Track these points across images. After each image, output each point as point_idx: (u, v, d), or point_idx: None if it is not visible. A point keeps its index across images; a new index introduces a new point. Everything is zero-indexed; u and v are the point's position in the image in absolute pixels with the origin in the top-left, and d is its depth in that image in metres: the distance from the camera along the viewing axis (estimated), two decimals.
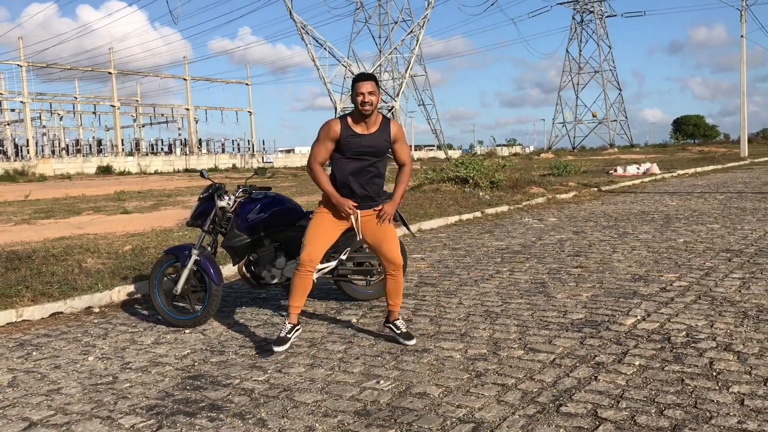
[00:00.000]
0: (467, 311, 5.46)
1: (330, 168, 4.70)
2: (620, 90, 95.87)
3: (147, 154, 64.87)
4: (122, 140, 64.74)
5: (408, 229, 6.21)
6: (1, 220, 14.19)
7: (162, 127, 78.60)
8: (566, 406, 3.44)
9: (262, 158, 68.02)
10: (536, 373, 3.94)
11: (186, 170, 57.05)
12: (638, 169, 24.81)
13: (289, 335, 4.49)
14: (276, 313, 5.72)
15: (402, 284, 4.72)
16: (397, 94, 57.98)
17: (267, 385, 3.98)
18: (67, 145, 63.61)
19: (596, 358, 4.15)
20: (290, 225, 5.42)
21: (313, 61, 53.42)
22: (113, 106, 63.76)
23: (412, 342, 4.57)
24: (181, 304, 5.54)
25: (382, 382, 3.92)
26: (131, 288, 6.60)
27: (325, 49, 53.82)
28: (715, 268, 6.73)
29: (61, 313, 6.05)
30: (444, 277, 6.93)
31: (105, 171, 53.68)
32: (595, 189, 17.66)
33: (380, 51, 75.74)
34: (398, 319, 4.71)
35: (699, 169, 26.68)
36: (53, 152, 60.48)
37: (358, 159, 4.48)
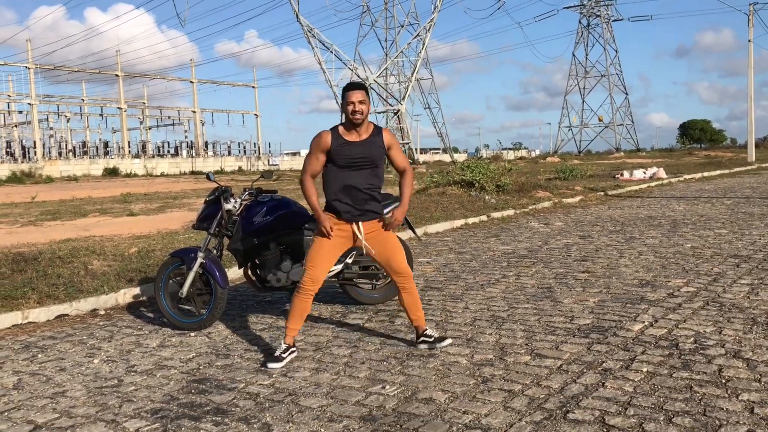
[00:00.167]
0: (473, 316, 5.43)
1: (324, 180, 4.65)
2: (626, 94, 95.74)
3: (153, 157, 65.05)
4: (129, 142, 64.96)
5: (414, 232, 6.21)
6: (8, 222, 14.23)
7: (168, 129, 78.77)
8: (573, 412, 3.41)
9: (268, 161, 67.85)
10: (543, 379, 3.91)
11: (192, 172, 57.16)
12: (645, 173, 24.74)
13: (284, 355, 4.41)
14: (281, 317, 5.70)
15: (417, 294, 4.65)
16: (403, 98, 57.99)
17: (272, 389, 3.97)
18: (74, 147, 63.82)
19: (604, 364, 4.12)
20: (296, 228, 5.41)
21: (320, 64, 53.49)
22: (120, 108, 63.98)
23: (448, 342, 4.57)
24: (187, 307, 5.53)
25: (387, 387, 3.90)
26: (137, 290, 6.60)
27: (331, 52, 53.91)
28: (723, 273, 6.68)
29: (67, 315, 6.06)
30: (450, 281, 6.91)
31: (111, 173, 53.84)
32: (602, 193, 17.61)
33: (386, 54, 75.78)
34: (426, 329, 4.63)
35: (706, 174, 26.58)
36: (60, 154, 60.68)
37: (353, 168, 4.42)
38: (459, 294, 6.27)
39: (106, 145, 66.78)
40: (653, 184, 21.56)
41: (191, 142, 70.83)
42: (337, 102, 54.44)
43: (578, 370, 4.05)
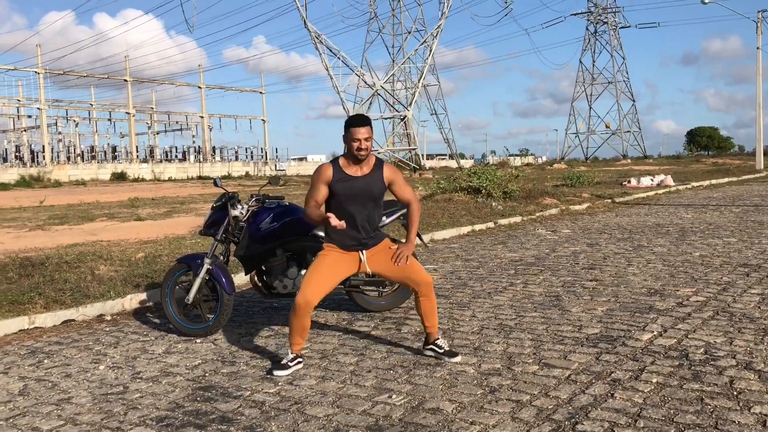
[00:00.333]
0: (481, 324, 5.40)
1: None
2: (634, 101, 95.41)
3: (161, 161, 65.29)
4: (137, 147, 65.25)
5: (421, 239, 6.17)
6: (16, 226, 14.27)
7: (176, 134, 79.03)
8: (582, 424, 3.37)
9: (275, 166, 68.25)
10: (551, 390, 3.87)
11: (199, 177, 57.32)
12: (652, 180, 24.63)
13: (291, 364, 4.38)
14: (287, 324, 5.66)
15: (435, 301, 4.60)
16: (410, 104, 58.02)
17: (278, 397, 3.94)
18: (83, 152, 64.14)
19: (612, 375, 4.08)
20: (303, 235, 5.39)
21: (327, 70, 53.55)
22: (128, 113, 64.26)
23: (457, 359, 4.46)
24: (193, 313, 5.52)
25: (394, 396, 3.87)
26: (143, 296, 6.59)
27: (338, 58, 53.97)
28: (732, 283, 6.63)
29: (73, 320, 6.05)
30: (457, 288, 6.88)
31: (119, 177, 54.05)
32: (609, 200, 17.53)
33: (393, 60, 75.85)
34: (438, 338, 4.58)
35: (714, 182, 26.47)
36: (68, 158, 60.98)
37: (353, 202, 4.39)
38: (466, 302, 6.23)
39: (114, 149, 67.09)
40: (661, 191, 21.47)
41: (199, 147, 71.11)
42: (344, 107, 54.55)
43: (587, 380, 4.01)
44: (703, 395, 3.71)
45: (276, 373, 4.31)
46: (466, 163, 66.85)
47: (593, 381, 3.99)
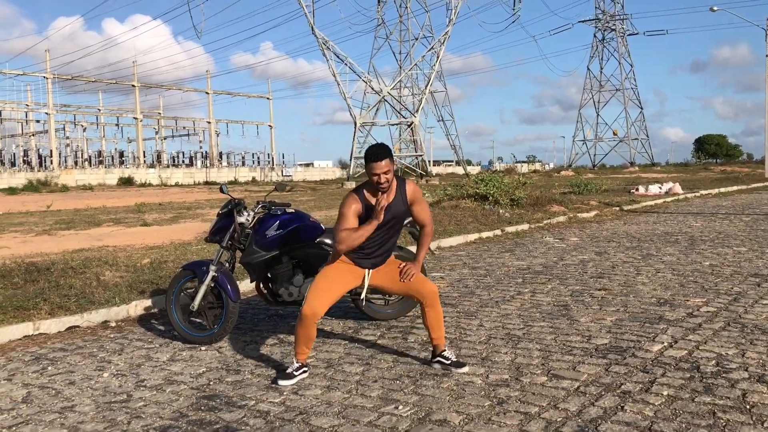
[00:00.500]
0: (488, 334, 5.33)
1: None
2: (641, 108, 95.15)
3: (168, 166, 65.43)
4: (144, 152, 65.44)
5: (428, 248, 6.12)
6: (23, 230, 14.29)
7: (183, 139, 79.32)
8: None
9: (282, 172, 68.35)
10: (560, 402, 3.81)
11: (206, 183, 57.46)
12: (660, 188, 24.51)
13: (296, 373, 4.33)
14: (293, 332, 5.62)
15: (441, 311, 4.55)
16: (417, 110, 57.98)
17: (283, 407, 3.89)
18: (90, 157, 64.34)
19: (622, 387, 4.01)
20: (309, 242, 5.35)
21: (334, 76, 53.61)
22: (136, 118, 64.50)
23: (465, 369, 4.40)
24: (198, 321, 5.48)
25: (400, 407, 3.81)
26: (148, 302, 6.56)
27: (345, 64, 54.04)
28: (743, 293, 6.54)
29: (78, 326, 6.02)
30: (464, 297, 6.82)
31: (126, 182, 54.21)
32: (617, 208, 17.44)
33: (400, 67, 75.96)
34: (445, 350, 4.51)
35: (723, 190, 26.33)
36: (76, 163, 61.20)
37: (378, 230, 4.33)
38: (473, 311, 6.17)
39: (121, 154, 67.29)
40: (669, 199, 21.36)
41: (206, 152, 71.27)
42: (351, 113, 54.60)
43: (596, 392, 3.94)
44: (715, 409, 3.64)
45: (281, 382, 4.26)
46: (473, 170, 66.81)
47: (603, 393, 3.92)
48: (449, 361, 4.45)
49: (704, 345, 4.82)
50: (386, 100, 58.69)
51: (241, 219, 5.43)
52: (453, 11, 55.34)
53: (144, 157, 65.09)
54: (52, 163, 55.91)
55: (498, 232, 12.29)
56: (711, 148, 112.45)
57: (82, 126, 70.36)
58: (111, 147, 73.18)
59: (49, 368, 4.84)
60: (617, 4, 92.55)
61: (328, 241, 5.33)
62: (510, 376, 4.27)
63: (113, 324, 6.15)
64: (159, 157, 68.41)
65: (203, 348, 5.23)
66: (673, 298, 6.42)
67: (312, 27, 52.46)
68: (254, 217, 5.45)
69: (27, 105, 64.92)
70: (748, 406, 3.65)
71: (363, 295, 5.03)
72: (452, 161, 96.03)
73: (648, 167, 76.97)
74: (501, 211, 14.53)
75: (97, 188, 47.95)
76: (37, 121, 67.67)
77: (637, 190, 24.59)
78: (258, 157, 74.68)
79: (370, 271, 4.50)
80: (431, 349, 4.63)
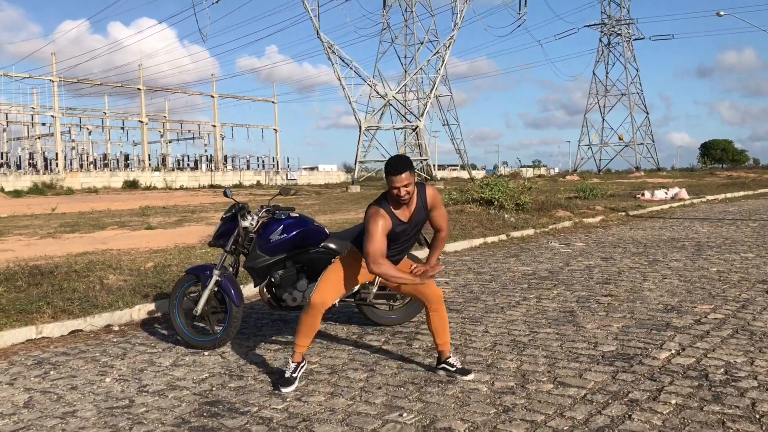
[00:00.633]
0: (493, 340, 5.28)
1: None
2: (647, 113, 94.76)
3: (173, 170, 65.57)
4: (149, 155, 65.58)
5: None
6: (28, 233, 14.30)
7: (188, 143, 79.43)
8: None
9: (286, 175, 68.42)
10: (567, 410, 3.76)
11: (211, 186, 57.52)
12: (666, 193, 24.41)
13: (294, 375, 4.29)
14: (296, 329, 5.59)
15: (446, 317, 4.51)
16: (422, 114, 57.93)
17: (286, 414, 3.85)
18: (95, 160, 64.55)
19: (630, 395, 3.96)
20: (313, 247, 5.31)
21: (339, 80, 53.60)
22: (141, 121, 64.66)
23: (470, 376, 4.35)
24: (201, 325, 5.45)
25: (405, 414, 3.76)
26: (152, 306, 6.53)
27: (351, 68, 54.01)
28: (751, 300, 6.48)
29: (81, 330, 5.99)
30: (469, 302, 6.77)
31: (131, 185, 54.32)
32: (623, 213, 17.36)
33: (405, 71, 75.91)
34: (450, 356, 4.47)
35: (729, 195, 26.20)
36: (81, 166, 61.37)
37: (402, 237, 4.30)
38: (478, 316, 6.13)
39: (126, 157, 67.50)
40: (675, 204, 21.26)
41: (211, 155, 71.41)
42: (355, 117, 54.59)
43: (603, 400, 3.89)
44: (724, 418, 3.59)
45: (284, 390, 4.22)
46: (478, 174, 66.73)
47: (610, 401, 3.87)
48: (454, 368, 4.40)
49: (712, 353, 4.76)
50: (391, 104, 58.66)
51: (245, 223, 5.39)
52: (458, 15, 55.31)
53: (149, 160, 65.22)
54: (57, 166, 56.07)
55: (503, 236, 12.24)
56: (717, 153, 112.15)
57: (88, 129, 70.53)
58: (116, 150, 73.40)
59: (52, 372, 4.81)
60: (623, 9, 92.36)
61: (332, 245, 5.29)
62: (516, 384, 4.23)
63: (116, 328, 6.12)
64: (164, 160, 68.58)
65: (206, 353, 5.19)
66: (680, 304, 6.36)
67: (317, 31, 52.50)
68: (258, 222, 5.42)
69: (33, 108, 65.15)
70: (757, 416, 3.60)
71: (372, 294, 5.03)
72: (457, 165, 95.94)
73: (653, 172, 76.77)
74: (506, 215, 14.47)
75: (102, 191, 48.05)
76: (43, 124, 67.87)
77: (642, 195, 24.49)
78: (263, 161, 74.82)
79: None
80: (436, 355, 4.59)
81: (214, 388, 4.35)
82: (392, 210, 4.20)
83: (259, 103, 78.80)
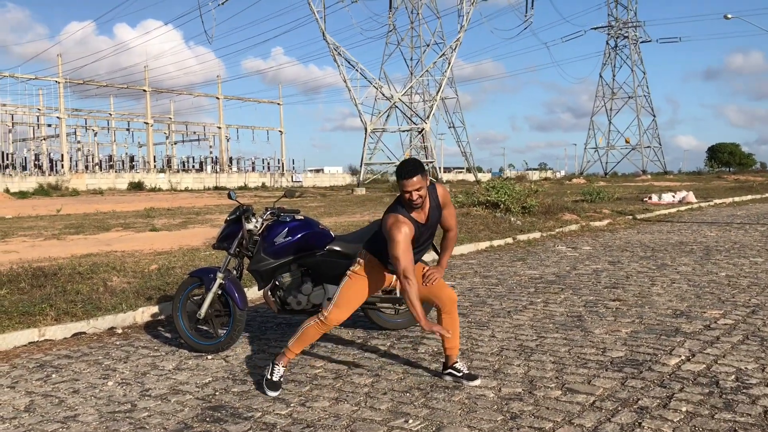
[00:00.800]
0: (500, 345, 5.22)
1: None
2: (654, 116, 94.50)
3: (178, 171, 65.67)
4: (154, 157, 65.67)
5: (438, 254, 6.01)
6: (32, 235, 14.29)
7: (194, 144, 79.48)
8: None
9: (292, 177, 68.42)
10: (575, 417, 3.69)
11: (216, 188, 57.56)
12: (674, 197, 24.29)
13: (281, 379, 4.29)
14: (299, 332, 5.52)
15: (458, 320, 4.45)
16: (428, 116, 57.91)
17: (290, 419, 3.79)
18: (101, 161, 64.68)
19: (639, 402, 3.89)
20: (318, 250, 5.25)
21: (345, 82, 53.64)
22: (147, 123, 64.77)
23: (477, 382, 4.28)
24: (205, 328, 5.40)
25: (411, 421, 3.70)
26: (155, 309, 6.48)
27: (356, 70, 54.03)
28: (761, 305, 6.39)
29: (84, 333, 5.95)
30: (475, 306, 6.70)
31: (136, 187, 54.39)
32: (630, 217, 17.26)
33: (411, 73, 75.87)
34: (457, 361, 4.40)
35: (737, 199, 26.05)
36: (87, 167, 61.49)
37: (420, 241, 4.22)
38: (485, 321, 6.06)
39: (131, 159, 67.58)
40: (683, 208, 21.14)
41: (216, 157, 71.45)
42: (361, 119, 54.58)
43: (612, 407, 3.82)
44: (736, 426, 3.51)
45: (271, 393, 4.21)
46: (484, 177, 66.57)
47: (619, 408, 3.80)
48: (461, 373, 4.34)
49: (723, 359, 4.68)
50: (397, 107, 58.67)
51: (249, 226, 5.34)
52: (465, 18, 55.32)
53: (154, 161, 65.31)
54: (63, 167, 56.20)
55: (509, 240, 12.16)
56: (724, 157, 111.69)
57: (93, 130, 70.66)
58: (121, 151, 73.49)
59: (54, 376, 4.77)
60: (630, 12, 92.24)
61: (337, 248, 5.23)
62: (523, 390, 4.16)
63: (119, 331, 6.07)
64: (169, 161, 68.67)
65: (209, 357, 5.14)
66: (689, 309, 6.28)
67: (323, 32, 52.55)
68: (263, 224, 5.37)
69: (39, 109, 65.31)
70: None
71: (378, 298, 5.07)
72: (463, 168, 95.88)
73: (660, 175, 76.52)
74: (512, 218, 14.40)
75: (107, 192, 48.14)
76: (49, 125, 68.01)
77: (650, 198, 24.37)
78: (268, 163, 74.82)
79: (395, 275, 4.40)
80: (442, 360, 4.53)
81: (217, 393, 4.29)
82: (411, 216, 4.12)
83: (265, 104, 78.91)
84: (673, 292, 7.12)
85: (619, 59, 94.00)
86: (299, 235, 5.24)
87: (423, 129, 56.43)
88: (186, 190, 55.85)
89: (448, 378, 4.38)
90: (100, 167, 62.83)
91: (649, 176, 72.54)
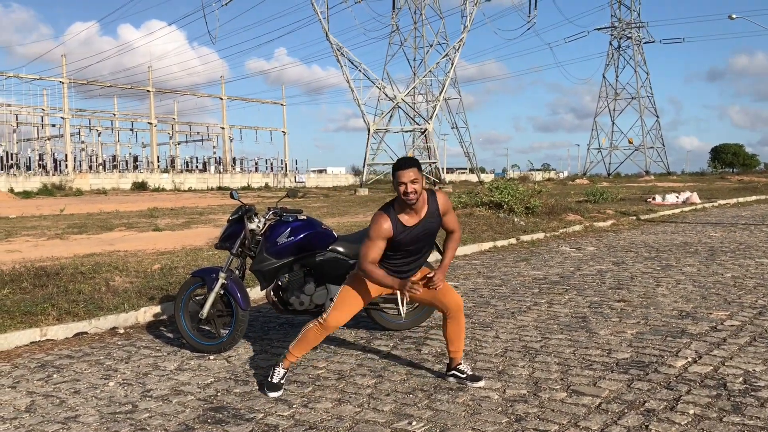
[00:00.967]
0: (504, 346, 5.17)
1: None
2: (657, 116, 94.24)
3: (182, 172, 65.75)
4: (158, 157, 65.78)
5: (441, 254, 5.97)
6: (36, 234, 14.28)
7: (197, 145, 79.63)
8: None
9: (295, 178, 68.44)
10: (581, 419, 3.64)
11: (219, 188, 57.60)
12: (678, 197, 24.20)
13: (282, 381, 4.25)
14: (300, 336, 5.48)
15: (464, 325, 4.39)
16: (431, 117, 57.86)
17: (292, 421, 3.75)
18: (104, 161, 64.80)
19: (646, 404, 3.84)
20: (321, 250, 5.22)
21: (348, 82, 53.59)
22: (150, 123, 64.85)
23: (481, 383, 4.24)
24: (207, 329, 5.37)
25: (414, 423, 3.66)
26: (157, 309, 6.45)
27: (359, 71, 53.99)
28: None
29: (86, 333, 5.92)
30: (479, 307, 6.65)
31: (140, 187, 54.47)
32: (634, 217, 17.19)
33: (414, 73, 75.82)
34: (461, 363, 4.36)
35: (741, 199, 25.95)
36: (90, 167, 61.62)
37: (412, 245, 4.17)
38: (489, 322, 6.01)
39: (135, 159, 67.71)
40: (687, 209, 21.05)
41: (219, 157, 71.54)
42: (364, 120, 54.55)
43: (618, 409, 3.77)
44: (745, 429, 3.46)
45: (271, 394, 4.17)
46: (487, 178, 66.50)
47: (626, 411, 3.75)
48: (465, 375, 4.30)
49: (730, 361, 4.63)
50: (400, 107, 58.60)
51: (251, 225, 5.30)
52: (468, 18, 55.23)
53: (158, 162, 65.41)
54: (67, 167, 56.30)
55: (513, 240, 12.11)
56: (727, 158, 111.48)
57: (97, 130, 70.82)
58: (125, 152, 73.64)
59: (55, 376, 4.73)
60: (633, 12, 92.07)
61: (340, 248, 5.20)
62: (528, 392, 4.11)
63: (121, 331, 6.04)
64: (173, 162, 68.77)
65: (211, 357, 5.10)
66: (695, 310, 6.23)
67: (326, 33, 52.52)
68: (265, 224, 5.33)
69: (43, 109, 65.46)
70: None
71: (403, 308, 5.24)
72: (466, 169, 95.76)
73: (663, 176, 76.35)
74: (516, 219, 14.34)
75: (111, 192, 48.18)
76: (53, 126, 68.20)
77: (654, 199, 24.29)
78: (271, 163, 74.91)
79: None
80: (446, 361, 4.49)
81: (219, 394, 4.26)
82: (399, 214, 4.09)
83: (268, 105, 78.97)
84: (679, 293, 7.07)
85: (622, 60, 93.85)
86: (302, 235, 5.20)
87: (426, 129, 56.36)
88: (189, 190, 55.90)
89: (451, 379, 4.34)
90: (104, 167, 62.94)
91: (652, 177, 72.38)
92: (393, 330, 5.68)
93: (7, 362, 5.11)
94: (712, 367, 4.50)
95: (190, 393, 4.29)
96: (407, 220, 4.10)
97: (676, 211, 20.07)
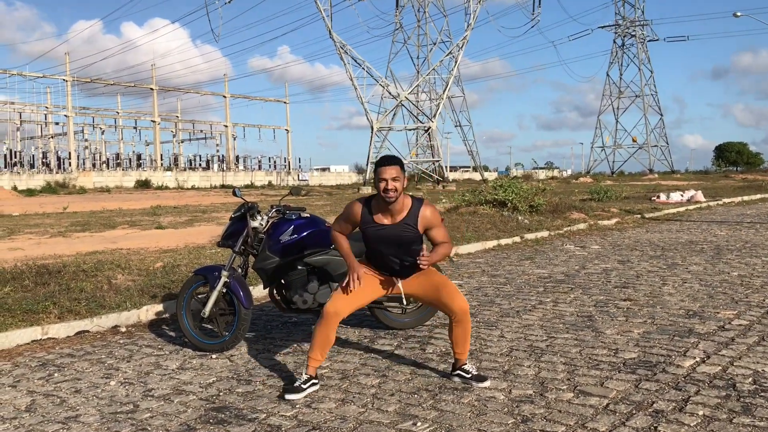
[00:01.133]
0: (510, 346, 5.11)
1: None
2: (661, 115, 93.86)
3: (185, 170, 65.79)
4: (161, 155, 65.83)
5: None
6: (39, 232, 14.26)
7: (200, 143, 79.88)
8: None
9: (298, 176, 68.45)
10: (588, 420, 3.58)
11: (222, 186, 57.59)
12: (682, 196, 24.11)
13: (304, 386, 4.09)
14: (307, 340, 5.44)
15: (470, 328, 4.32)
16: (434, 115, 57.74)
17: (295, 421, 3.70)
18: (108, 159, 64.91)
19: (654, 405, 3.78)
20: (324, 248, 5.16)
21: (351, 80, 53.49)
22: (154, 121, 64.86)
23: (486, 383, 4.18)
24: (209, 327, 5.32)
25: (419, 423, 3.60)
26: (160, 307, 6.41)
27: (363, 69, 53.88)
28: None
29: (87, 331, 5.87)
30: (483, 306, 6.60)
31: (143, 185, 54.49)
32: (639, 216, 17.11)
33: (418, 71, 75.70)
34: (466, 363, 4.30)
35: (746, 198, 25.85)
36: (94, 165, 61.70)
37: (381, 245, 4.18)
38: (493, 321, 5.95)
39: (138, 157, 67.77)
40: (691, 207, 20.97)
41: (222, 156, 71.57)
42: (368, 118, 54.49)
43: (626, 410, 3.71)
44: (755, 431, 3.40)
45: (288, 396, 4.04)
46: (490, 176, 66.36)
47: (634, 412, 3.69)
48: (470, 375, 4.24)
49: (739, 361, 4.57)
50: (403, 105, 58.52)
51: (254, 223, 5.25)
52: (471, 16, 55.08)
53: (161, 160, 65.45)
54: (70, 165, 56.36)
55: (517, 239, 12.05)
56: (731, 156, 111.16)
57: (101, 128, 70.92)
58: (129, 150, 73.70)
59: (56, 375, 4.69)
60: (637, 10, 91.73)
61: None
62: (534, 392, 4.06)
63: (123, 329, 5.99)
64: (176, 160, 68.85)
65: (214, 356, 5.06)
66: (702, 310, 6.16)
67: (330, 31, 52.44)
68: (268, 222, 5.28)
69: (46, 107, 65.52)
70: None
71: (405, 304, 5.13)
72: (469, 167, 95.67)
73: (667, 174, 76.18)
74: (520, 217, 14.28)
75: (114, 190, 48.22)
76: (56, 124, 68.29)
77: (658, 197, 24.20)
78: (274, 161, 74.95)
79: (401, 280, 4.33)
80: (451, 361, 4.43)
81: (221, 393, 4.21)
82: (373, 209, 4.16)
83: (271, 103, 78.97)
84: (685, 292, 7.00)
85: (626, 58, 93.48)
86: (305, 233, 5.15)
87: (429, 127, 56.26)
88: (193, 188, 55.91)
89: (456, 379, 4.28)
90: (108, 165, 63.04)
91: (656, 175, 72.23)
92: (397, 329, 5.63)
93: (8, 361, 5.07)
94: (720, 367, 4.43)
95: (192, 392, 4.24)
96: (380, 218, 4.13)
97: (681, 209, 19.98)
